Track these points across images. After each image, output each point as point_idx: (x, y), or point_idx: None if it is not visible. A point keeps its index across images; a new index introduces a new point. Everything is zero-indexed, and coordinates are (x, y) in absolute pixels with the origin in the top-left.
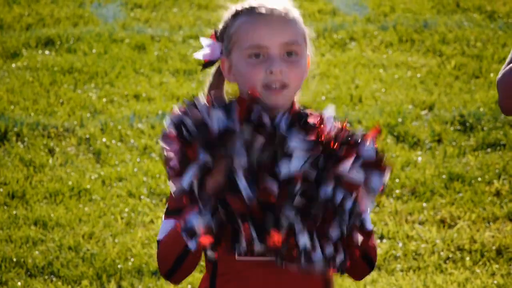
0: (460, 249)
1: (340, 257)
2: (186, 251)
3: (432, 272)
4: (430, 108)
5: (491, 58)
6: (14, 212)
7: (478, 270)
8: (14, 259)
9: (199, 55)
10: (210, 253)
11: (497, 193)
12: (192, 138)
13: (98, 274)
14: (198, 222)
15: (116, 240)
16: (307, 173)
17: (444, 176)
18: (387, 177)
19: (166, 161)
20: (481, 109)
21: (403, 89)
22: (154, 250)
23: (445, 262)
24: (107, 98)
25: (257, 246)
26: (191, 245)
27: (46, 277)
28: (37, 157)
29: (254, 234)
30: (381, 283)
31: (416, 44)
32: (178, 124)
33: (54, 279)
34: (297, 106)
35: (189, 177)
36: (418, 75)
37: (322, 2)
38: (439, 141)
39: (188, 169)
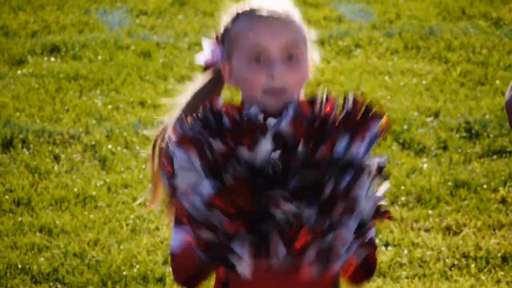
0: (465, 256)
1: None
2: (205, 263)
3: (437, 279)
4: (436, 115)
5: (496, 65)
6: (20, 219)
7: (483, 277)
8: (19, 266)
9: (200, 60)
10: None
11: (503, 200)
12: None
13: (103, 281)
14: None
15: (122, 247)
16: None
17: (449, 183)
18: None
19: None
20: (487, 116)
21: (409, 96)
22: (159, 257)
23: (450, 269)
24: (113, 105)
25: (281, 255)
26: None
27: (51, 284)
28: (42, 164)
29: (279, 245)
30: None
31: (421, 51)
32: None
33: (59, 286)
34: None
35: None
36: (424, 82)
37: (327, 9)
38: (445, 148)
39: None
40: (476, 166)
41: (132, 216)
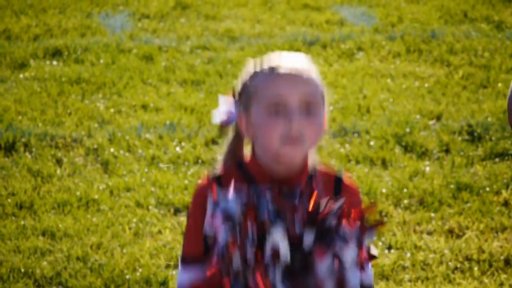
0: (468, 259)
1: None
2: None
3: (440, 282)
4: (438, 118)
5: (498, 68)
6: (22, 222)
7: (486, 280)
8: (22, 270)
9: (216, 119)
10: None
11: (505, 203)
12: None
13: (106, 284)
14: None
15: (124, 251)
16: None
17: (452, 186)
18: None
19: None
20: (489, 119)
21: (411, 99)
22: (162, 261)
23: (453, 272)
24: (115, 108)
25: None
26: None
27: (54, 287)
28: (45, 167)
29: None
30: None
31: (423, 54)
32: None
33: None
34: (310, 164)
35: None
36: (426, 85)
37: (329, 12)
38: (447, 151)
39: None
40: (478, 169)
41: (134, 220)
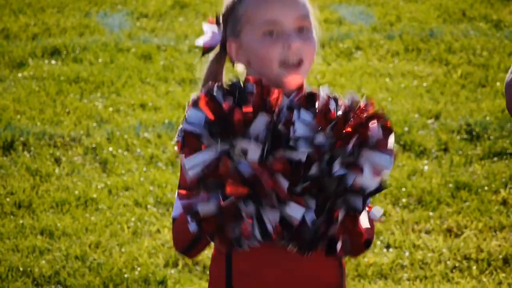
0: (466, 258)
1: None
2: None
3: (438, 281)
4: (437, 117)
5: (497, 67)
6: (21, 221)
7: (484, 279)
8: (21, 269)
9: (200, 41)
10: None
11: (504, 202)
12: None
13: (104, 283)
14: (203, 208)
15: (123, 250)
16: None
17: (450, 185)
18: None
19: (186, 134)
20: (488, 118)
21: (409, 98)
22: (160, 260)
23: (451, 271)
24: (113, 107)
25: (257, 238)
26: (192, 227)
27: (53, 286)
28: (43, 166)
29: (256, 229)
30: None
31: (422, 53)
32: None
33: None
34: (304, 85)
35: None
36: (424, 84)
37: (328, 11)
38: (446, 150)
39: (205, 152)
40: (477, 168)
41: (133, 219)
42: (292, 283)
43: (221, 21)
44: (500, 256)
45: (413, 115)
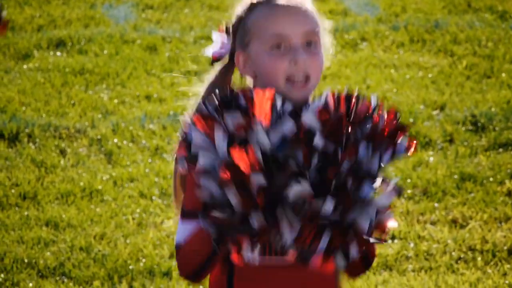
0: (471, 249)
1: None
2: (213, 254)
3: (443, 273)
4: (442, 108)
5: (502, 58)
6: (26, 213)
7: (489, 270)
8: (26, 260)
9: (209, 51)
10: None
11: (509, 193)
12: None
13: (109, 275)
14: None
15: (128, 241)
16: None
17: (455, 176)
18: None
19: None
20: (493, 109)
21: (415, 89)
22: (165, 251)
23: (456, 262)
24: (119, 99)
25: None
26: (214, 235)
27: (58, 278)
28: (48, 158)
29: (288, 234)
30: (393, 283)
31: (427, 44)
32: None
33: (65, 280)
34: (310, 99)
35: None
36: (430, 75)
37: (333, 2)
38: (451, 141)
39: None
40: (482, 159)
41: (138, 210)
42: None
43: (231, 31)
44: (505, 247)
45: (418, 106)
